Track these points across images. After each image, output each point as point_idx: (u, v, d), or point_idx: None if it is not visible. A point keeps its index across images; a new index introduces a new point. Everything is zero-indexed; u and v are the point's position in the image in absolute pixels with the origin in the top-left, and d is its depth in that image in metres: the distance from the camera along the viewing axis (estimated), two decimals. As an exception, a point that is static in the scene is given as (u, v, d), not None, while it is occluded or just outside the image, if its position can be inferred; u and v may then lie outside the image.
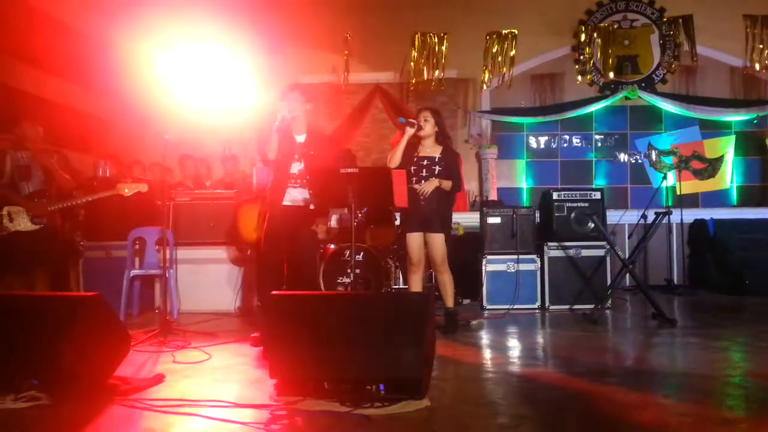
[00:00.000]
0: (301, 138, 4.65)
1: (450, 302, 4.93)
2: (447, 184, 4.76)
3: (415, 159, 4.82)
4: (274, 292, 3.36)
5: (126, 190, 5.00)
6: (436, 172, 4.77)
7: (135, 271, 5.84)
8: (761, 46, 9.11)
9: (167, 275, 5.14)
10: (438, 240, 4.80)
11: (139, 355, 4.08)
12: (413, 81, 9.47)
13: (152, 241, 5.89)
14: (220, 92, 5.05)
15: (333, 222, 6.19)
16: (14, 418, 2.81)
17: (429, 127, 4.83)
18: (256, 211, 5.17)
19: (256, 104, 4.75)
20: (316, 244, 5.22)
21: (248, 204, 5.70)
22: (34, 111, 6.82)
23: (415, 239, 4.83)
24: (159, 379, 3.45)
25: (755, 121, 9.84)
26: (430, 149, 4.86)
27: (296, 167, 4.62)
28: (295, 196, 4.62)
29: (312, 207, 4.61)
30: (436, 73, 9.38)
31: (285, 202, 4.58)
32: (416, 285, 4.91)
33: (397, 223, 6.51)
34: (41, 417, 2.84)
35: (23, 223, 4.77)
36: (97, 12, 7.99)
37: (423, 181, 4.75)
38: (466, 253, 6.66)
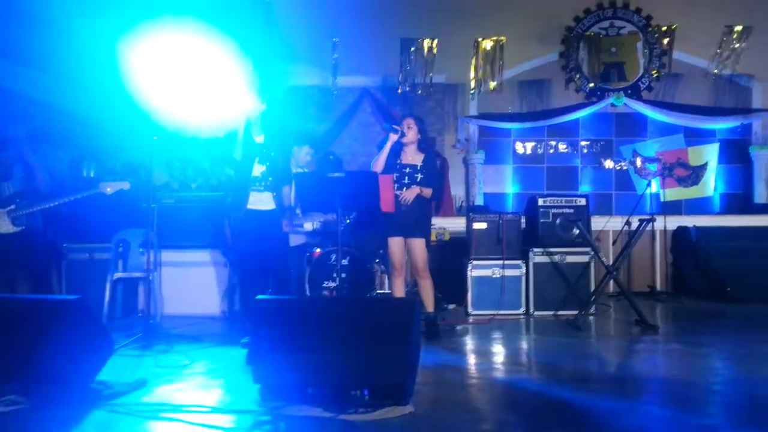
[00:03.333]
0: (260, 140, 4.67)
1: (431, 307, 4.95)
2: (428, 192, 4.86)
3: (398, 166, 4.87)
4: (258, 297, 3.35)
5: (108, 189, 4.95)
6: (418, 180, 4.84)
7: (118, 274, 5.80)
8: (733, 54, 9.23)
9: (151, 278, 5.11)
10: (419, 245, 4.85)
11: (121, 359, 4.04)
12: (401, 86, 9.49)
13: (136, 244, 5.84)
14: (208, 94, 5.04)
15: (313, 224, 6.16)
16: (-6, 423, 2.79)
17: (412, 135, 4.89)
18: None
19: (245, 106, 4.78)
20: (288, 247, 5.27)
21: None
22: (16, 108, 6.76)
23: (396, 243, 4.89)
24: (141, 383, 3.42)
25: (739, 129, 9.98)
26: (412, 156, 4.93)
27: (258, 170, 4.63)
28: (259, 199, 4.63)
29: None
30: (425, 78, 9.40)
31: (249, 206, 4.59)
32: (399, 289, 4.98)
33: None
34: (22, 421, 2.81)
35: (4, 225, 4.72)
36: (80, 5, 7.93)
37: (405, 188, 4.81)
38: (452, 258, 6.68)
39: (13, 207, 4.77)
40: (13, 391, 2.96)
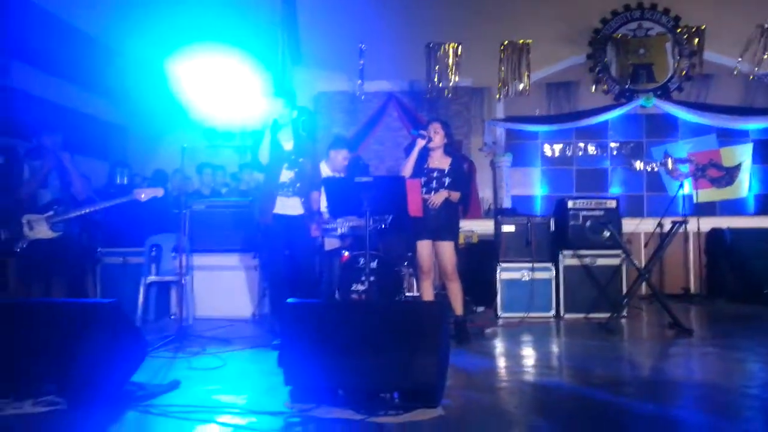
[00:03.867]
0: (289, 145, 4.71)
1: (459, 310, 4.94)
2: (456, 196, 4.87)
3: (425, 170, 4.88)
4: (288, 300, 3.38)
5: (143, 196, 5.05)
6: (446, 184, 4.85)
7: (151, 278, 5.90)
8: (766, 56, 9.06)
9: (183, 282, 5.19)
10: (447, 248, 4.86)
11: (155, 360, 4.11)
12: (427, 90, 9.51)
13: (168, 248, 5.94)
14: (237, 101, 5.14)
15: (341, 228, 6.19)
16: (32, 423, 2.85)
17: (438, 139, 4.90)
18: None
19: (273, 112, 4.85)
20: (316, 251, 5.30)
21: None
22: (52, 118, 6.93)
23: (425, 247, 4.90)
24: (174, 385, 3.47)
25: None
26: (439, 161, 4.94)
27: (286, 175, 4.68)
28: (287, 204, 4.67)
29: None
30: (451, 82, 9.40)
31: (276, 211, 4.64)
32: (428, 292, 4.98)
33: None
34: (59, 422, 2.87)
35: (42, 230, 4.84)
36: (114, 19, 8.12)
37: (433, 192, 4.82)
38: (481, 260, 6.65)
39: (51, 213, 4.89)
40: (51, 392, 3.03)
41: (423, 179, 4.83)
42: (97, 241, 6.36)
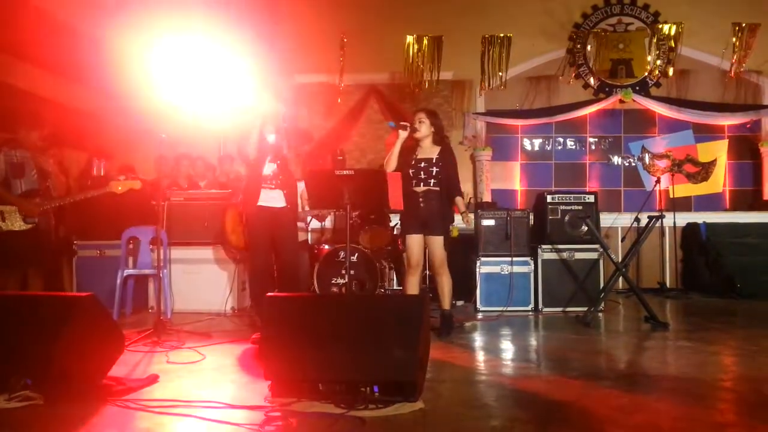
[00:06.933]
0: (272, 138, 4.68)
1: (447, 304, 4.94)
2: (461, 203, 5.02)
3: (413, 162, 4.85)
4: (268, 294, 3.36)
5: (119, 188, 4.98)
6: (434, 173, 4.81)
7: (129, 271, 5.83)
8: (743, 51, 9.16)
9: (161, 275, 5.14)
10: (437, 242, 4.85)
11: (132, 355, 4.08)
12: (409, 82, 9.48)
13: (146, 241, 5.88)
14: (215, 91, 5.09)
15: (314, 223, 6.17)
16: (8, 418, 2.81)
17: (425, 129, 4.86)
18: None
19: (252, 103, 4.79)
20: (299, 245, 5.27)
21: (235, 206, 5.69)
22: (28, 108, 6.79)
23: (415, 241, 4.88)
24: (153, 379, 3.44)
25: (748, 126, 9.91)
26: (428, 150, 4.90)
27: (269, 168, 4.65)
28: (270, 197, 4.65)
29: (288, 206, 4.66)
30: (432, 74, 9.39)
31: (260, 203, 4.62)
32: (413, 287, 4.95)
33: (392, 224, 6.53)
34: (35, 417, 2.83)
35: (16, 222, 4.75)
36: (89, 7, 7.97)
37: (422, 183, 4.78)
38: (460, 254, 6.67)
39: (25, 204, 4.81)
40: (27, 387, 2.99)
41: (411, 171, 4.81)
42: (73, 233, 6.27)
